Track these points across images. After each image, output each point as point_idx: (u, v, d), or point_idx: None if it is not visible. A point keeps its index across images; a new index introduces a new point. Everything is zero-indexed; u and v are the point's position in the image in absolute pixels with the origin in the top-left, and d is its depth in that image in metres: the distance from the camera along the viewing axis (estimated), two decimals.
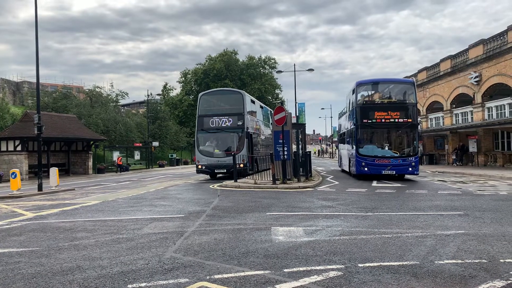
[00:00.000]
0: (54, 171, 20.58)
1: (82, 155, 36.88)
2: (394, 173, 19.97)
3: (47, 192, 18.60)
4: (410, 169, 19.80)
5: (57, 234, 8.54)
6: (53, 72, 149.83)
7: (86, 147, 37.23)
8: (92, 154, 38.12)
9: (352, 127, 22.01)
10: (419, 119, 22.02)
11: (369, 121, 20.36)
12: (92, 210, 12.24)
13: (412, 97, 20.94)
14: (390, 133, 21.12)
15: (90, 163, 37.43)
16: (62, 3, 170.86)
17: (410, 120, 20.22)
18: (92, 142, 37.63)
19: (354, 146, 21.08)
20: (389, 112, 20.14)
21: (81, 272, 5.70)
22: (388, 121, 20.19)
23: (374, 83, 22.81)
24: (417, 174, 20.42)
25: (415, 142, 20.33)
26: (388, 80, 23.44)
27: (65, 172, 34.86)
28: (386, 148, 20.49)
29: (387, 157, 20.00)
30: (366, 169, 19.98)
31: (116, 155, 42.90)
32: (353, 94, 21.94)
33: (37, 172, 19.84)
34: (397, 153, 20.31)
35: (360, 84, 21.74)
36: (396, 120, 20.12)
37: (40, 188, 18.71)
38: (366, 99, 22.65)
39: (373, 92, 23.53)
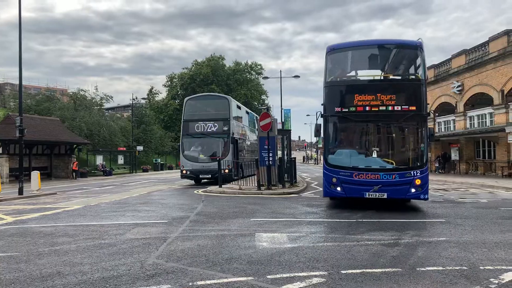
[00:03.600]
0: (35, 175, 20.22)
1: (65, 158, 36.33)
2: (384, 196, 11.63)
3: (28, 196, 18.26)
4: (413, 190, 11.48)
5: (37, 239, 8.39)
6: (36, 74, 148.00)
7: (69, 151, 36.71)
8: (75, 158, 37.59)
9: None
10: (428, 107, 13.20)
11: (344, 110, 12.23)
12: (74, 215, 12.06)
13: (418, 69, 12.53)
14: (380, 130, 12.86)
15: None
16: (44, 5, 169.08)
17: (414, 107, 11.83)
18: (75, 145, 37.13)
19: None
20: (379, 95, 11.96)
21: (61, 278, 5.60)
22: (377, 109, 11.96)
23: (354, 48, 13.69)
24: (425, 199, 11.89)
25: (422, 145, 11.89)
26: (376, 43, 13.68)
27: (47, 176, 34.29)
28: (374, 155, 12.20)
29: (373, 170, 11.78)
30: (338, 189, 11.99)
31: (99, 159, 42.40)
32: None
33: (18, 176, 19.48)
34: (391, 163, 12.12)
35: (332, 51, 12.94)
36: (390, 107, 11.87)
37: (21, 192, 18.36)
38: (341, 74, 13.83)
39: (352, 63, 14.31)
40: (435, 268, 5.96)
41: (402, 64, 13.91)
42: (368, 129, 12.77)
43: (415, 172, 11.54)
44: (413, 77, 12.90)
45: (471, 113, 32.39)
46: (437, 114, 37.89)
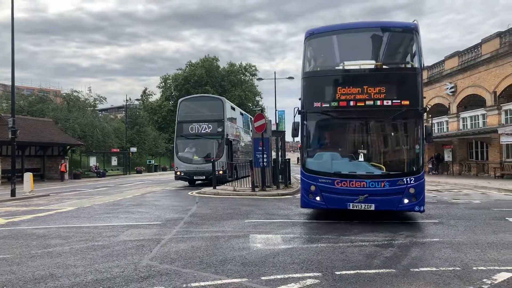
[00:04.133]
0: (28, 176, 20.10)
1: (58, 160, 36.12)
2: (371, 208, 9.77)
3: (20, 197, 18.14)
4: (405, 201, 9.63)
5: (30, 241, 8.33)
6: (29, 75, 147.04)
7: (62, 152, 36.52)
8: (68, 160, 37.40)
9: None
10: (424, 101, 11.19)
11: (325, 106, 10.38)
12: (67, 217, 11.99)
13: (413, 56, 10.64)
14: (367, 129, 10.77)
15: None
16: (37, 5, 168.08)
17: (407, 102, 9.93)
18: (68, 147, 36.95)
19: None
20: (366, 87, 10.09)
21: (54, 280, 5.56)
22: (363, 104, 10.09)
23: (338, 32, 11.54)
24: (421, 211, 9.94)
25: (417, 146, 10.06)
26: (365, 26, 11.60)
27: (40, 177, 34.06)
28: (360, 158, 10.26)
29: (359, 177, 9.89)
30: (318, 198, 10.15)
31: (93, 161, 42.21)
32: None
33: (11, 177, 19.33)
34: (379, 169, 10.16)
35: (312, 36, 11.11)
36: (379, 102, 9.99)
37: (13, 193, 18.23)
38: (322, 63, 12.27)
39: (335, 49, 12.13)
40: (428, 268, 5.98)
41: (395, 51, 11.78)
42: (353, 128, 10.89)
43: (408, 179, 9.66)
44: (407, 65, 11.13)
45: (464, 114, 32.61)
46: (430, 116, 38.07)
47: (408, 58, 11.10)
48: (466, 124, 32.37)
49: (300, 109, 10.69)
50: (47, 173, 35.59)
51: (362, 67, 11.40)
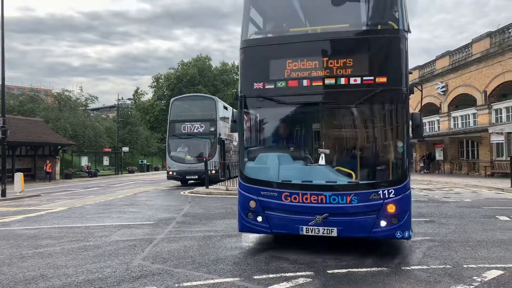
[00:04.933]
0: (19, 176, 19.93)
1: (50, 160, 35.87)
2: (333, 233, 6.66)
3: (11, 198, 17.99)
4: (382, 223, 6.54)
5: (21, 242, 8.27)
6: (19, 74, 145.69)
7: (53, 152, 36.24)
8: (59, 159, 37.13)
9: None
10: (410, 79, 6.93)
11: (269, 87, 7.31)
12: (58, 217, 11.91)
13: (396, 16, 7.21)
14: (328, 120, 8.02)
15: (58, 169, 36.42)
16: (28, 4, 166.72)
17: (385, 78, 6.76)
18: (59, 146, 36.67)
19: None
20: (325, 59, 7.09)
21: (45, 281, 5.53)
22: (321, 83, 7.08)
23: None
24: (406, 238, 6.64)
25: (400, 143, 6.76)
26: None
27: (31, 177, 33.76)
28: (321, 161, 7.22)
29: (316, 188, 6.85)
30: (259, 219, 7.11)
31: (84, 160, 41.95)
32: None
33: (1, 178, 19.15)
34: (346, 176, 7.08)
35: None
36: (344, 80, 6.90)
37: (3, 194, 18.07)
38: (267, 28, 8.68)
39: (286, 9, 8.62)
40: (420, 267, 6.03)
41: (368, 7, 8.00)
42: (308, 119, 7.89)
43: (386, 191, 6.48)
44: (384, 27, 7.34)
45: (455, 113, 32.86)
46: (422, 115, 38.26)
47: (387, 17, 7.45)
48: (457, 123, 32.62)
49: (238, 90, 7.61)
50: (38, 173, 35.27)
51: (321, 31, 7.74)
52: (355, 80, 6.78)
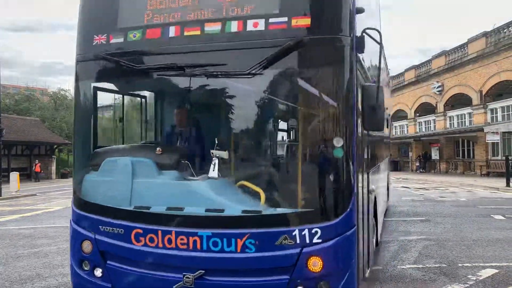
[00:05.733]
0: (14, 176, 19.86)
1: (45, 159, 35.74)
2: None
3: (7, 197, 17.92)
4: None
5: (16, 241, 8.25)
6: (14, 73, 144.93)
7: (49, 151, 36.14)
8: (55, 159, 37.01)
9: None
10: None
11: (114, 41, 4.06)
12: (54, 216, 11.88)
13: None
14: (216, 96, 4.25)
15: (54, 168, 36.33)
16: (23, 2, 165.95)
17: (307, 21, 3.53)
18: (55, 146, 36.58)
19: None
20: None
21: (40, 281, 5.52)
22: (198, 32, 3.78)
23: None
24: None
25: (339, 142, 3.45)
26: None
27: (26, 176, 33.65)
28: (212, 172, 3.89)
29: (187, 222, 3.70)
30: (97, 273, 3.98)
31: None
32: None
33: None
34: (255, 198, 3.69)
35: None
36: (237, 24, 3.68)
37: None
38: None
39: None
40: (415, 266, 6.06)
41: None
42: (185, 96, 4.37)
43: (307, 231, 3.46)
44: None
45: (451, 113, 32.99)
46: (417, 115, 38.43)
47: None
48: (453, 123, 32.75)
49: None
50: (34, 172, 35.18)
51: None
52: (256, 25, 3.68)
